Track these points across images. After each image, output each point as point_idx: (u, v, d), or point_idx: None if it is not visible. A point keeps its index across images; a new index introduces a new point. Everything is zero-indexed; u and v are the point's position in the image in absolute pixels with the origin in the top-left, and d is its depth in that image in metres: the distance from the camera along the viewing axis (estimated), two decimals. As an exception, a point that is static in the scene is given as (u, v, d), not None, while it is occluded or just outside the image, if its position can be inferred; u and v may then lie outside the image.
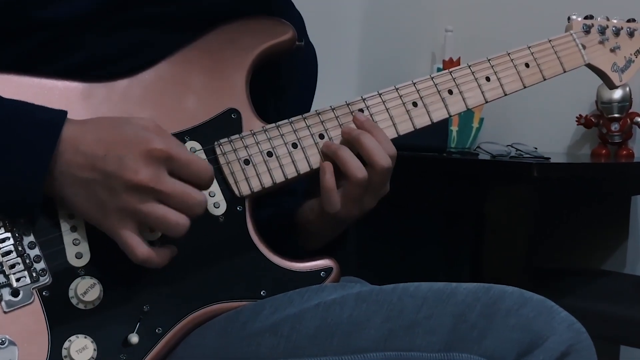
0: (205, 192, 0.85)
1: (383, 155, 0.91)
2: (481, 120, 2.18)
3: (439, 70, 2.24)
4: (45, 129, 0.79)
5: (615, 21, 1.11)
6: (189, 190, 0.81)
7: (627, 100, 2.08)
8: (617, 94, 2.06)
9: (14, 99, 0.82)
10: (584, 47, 1.08)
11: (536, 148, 1.75)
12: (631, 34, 1.12)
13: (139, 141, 0.79)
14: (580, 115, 2.17)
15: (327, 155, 0.92)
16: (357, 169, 0.90)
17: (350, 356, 0.79)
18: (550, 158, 1.65)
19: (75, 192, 0.80)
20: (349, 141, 0.92)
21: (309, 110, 1.00)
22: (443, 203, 1.74)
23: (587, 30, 1.09)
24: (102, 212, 0.80)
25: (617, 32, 1.11)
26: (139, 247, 0.80)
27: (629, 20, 1.13)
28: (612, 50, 1.11)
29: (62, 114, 0.81)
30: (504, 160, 1.61)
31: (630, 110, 2.10)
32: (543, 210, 1.54)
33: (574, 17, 1.09)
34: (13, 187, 0.79)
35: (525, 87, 1.03)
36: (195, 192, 0.81)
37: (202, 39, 0.94)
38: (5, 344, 0.78)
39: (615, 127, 2.09)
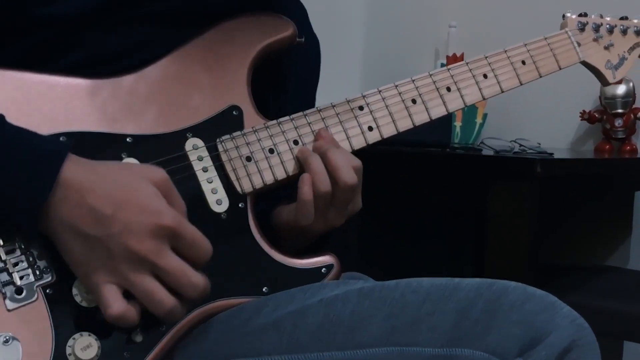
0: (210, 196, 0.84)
1: (348, 171, 0.90)
2: (485, 115, 2.18)
3: (442, 66, 2.24)
4: (44, 166, 0.77)
5: (608, 19, 1.12)
6: (186, 271, 0.79)
7: (630, 95, 2.07)
8: (621, 89, 2.05)
9: (15, 125, 0.80)
10: (579, 44, 1.09)
11: (539, 144, 1.75)
12: (624, 32, 1.13)
13: (151, 212, 0.77)
14: (583, 110, 2.17)
15: (299, 160, 0.92)
16: (321, 183, 0.89)
17: (353, 352, 0.79)
18: (553, 154, 1.65)
19: (70, 240, 0.78)
20: (319, 152, 0.91)
21: (313, 104, 1.01)
22: (446, 198, 1.74)
23: (581, 27, 1.09)
24: (91, 267, 0.78)
25: (610, 30, 1.11)
26: (114, 304, 0.77)
27: (621, 18, 1.14)
28: (606, 48, 1.12)
29: (64, 149, 0.79)
30: (508, 156, 1.61)
31: (634, 106, 2.10)
32: (546, 206, 1.54)
33: (569, 14, 1.10)
34: (8, 223, 0.78)
35: (521, 84, 1.04)
36: (193, 274, 0.79)
37: (203, 35, 0.94)
38: (9, 342, 0.78)
39: (618, 122, 2.09)
